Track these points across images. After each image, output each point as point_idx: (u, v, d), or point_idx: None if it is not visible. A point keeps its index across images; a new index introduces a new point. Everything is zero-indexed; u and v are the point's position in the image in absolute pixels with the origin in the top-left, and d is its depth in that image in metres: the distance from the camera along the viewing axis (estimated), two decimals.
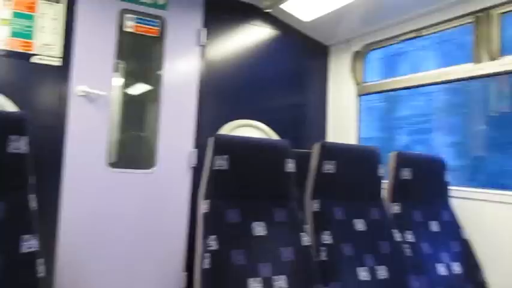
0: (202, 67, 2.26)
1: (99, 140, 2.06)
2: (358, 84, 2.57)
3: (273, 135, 2.36)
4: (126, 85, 2.21)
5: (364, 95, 2.59)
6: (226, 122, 2.28)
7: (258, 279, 1.57)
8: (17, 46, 1.94)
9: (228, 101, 2.32)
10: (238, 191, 1.82)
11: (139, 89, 2.31)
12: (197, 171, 2.23)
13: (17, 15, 1.95)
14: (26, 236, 1.20)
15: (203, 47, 2.26)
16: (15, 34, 1.94)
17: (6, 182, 1.26)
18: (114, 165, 2.09)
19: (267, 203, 1.82)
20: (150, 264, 2.13)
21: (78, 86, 2.01)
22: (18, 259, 1.18)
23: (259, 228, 1.75)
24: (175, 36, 2.20)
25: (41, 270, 1.19)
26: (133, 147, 2.27)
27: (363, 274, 1.69)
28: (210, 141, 1.70)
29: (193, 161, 2.22)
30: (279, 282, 1.60)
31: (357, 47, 2.57)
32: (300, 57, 2.58)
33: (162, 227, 2.15)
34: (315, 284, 1.59)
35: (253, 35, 2.41)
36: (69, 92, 2.00)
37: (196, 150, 2.23)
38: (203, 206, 1.84)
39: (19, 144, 1.26)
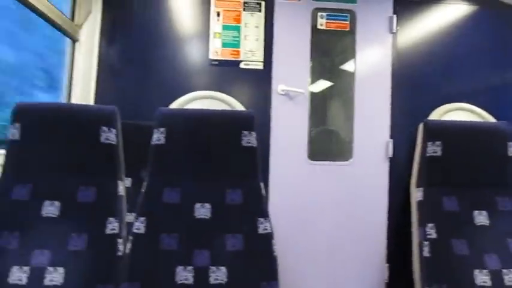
0: (394, 54, 2.20)
1: (300, 134, 2.16)
2: None
3: (488, 118, 2.15)
4: (316, 81, 2.28)
5: None
6: (426, 108, 2.17)
7: (485, 271, 1.46)
8: (227, 55, 2.18)
9: (425, 86, 2.20)
10: (454, 178, 1.70)
11: (326, 84, 2.36)
12: (394, 161, 2.17)
13: (226, 27, 2.19)
14: (111, 219, 1.28)
15: (395, 34, 2.21)
16: (225, 45, 2.18)
17: (99, 169, 1.35)
18: (312, 158, 2.17)
19: (488, 190, 1.66)
20: (351, 255, 2.13)
21: (278, 85, 2.15)
22: (102, 238, 1.26)
23: (481, 217, 1.61)
24: (366, 27, 2.20)
25: (121, 249, 1.26)
26: (326, 141, 2.32)
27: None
28: (420, 128, 1.61)
29: (390, 151, 2.16)
30: (510, 277, 1.44)
31: None
32: (504, 29, 2.31)
33: (362, 218, 2.14)
34: None
35: (447, 13, 2.26)
36: (271, 92, 2.15)
37: (392, 140, 2.17)
38: (417, 194, 1.77)
39: (110, 135, 1.35)
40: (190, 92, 2.12)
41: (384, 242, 2.15)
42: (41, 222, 1.24)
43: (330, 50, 2.32)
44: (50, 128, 1.33)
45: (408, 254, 1.80)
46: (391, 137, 2.18)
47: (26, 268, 1.17)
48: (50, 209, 1.27)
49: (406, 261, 1.85)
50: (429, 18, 2.24)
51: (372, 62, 2.21)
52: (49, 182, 1.31)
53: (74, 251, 1.21)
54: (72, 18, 2.03)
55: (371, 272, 2.14)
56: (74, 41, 2.03)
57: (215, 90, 2.13)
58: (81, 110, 1.39)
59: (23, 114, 1.34)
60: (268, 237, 1.29)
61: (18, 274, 1.16)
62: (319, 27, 2.22)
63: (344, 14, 2.22)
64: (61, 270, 1.18)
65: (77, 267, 1.19)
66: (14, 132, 1.31)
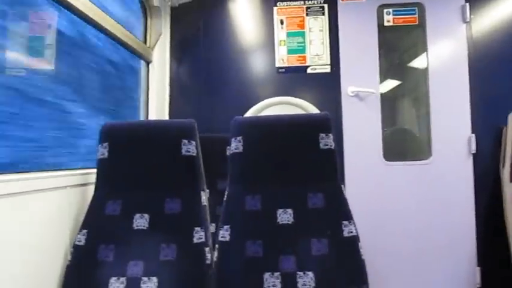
0: (470, 45, 2.08)
1: (373, 135, 2.11)
2: None
3: None
4: (385, 80, 2.22)
5: None
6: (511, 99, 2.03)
7: None
8: (294, 61, 2.18)
9: (507, 76, 2.06)
10: None
11: (396, 82, 2.29)
12: (477, 157, 2.05)
13: (291, 34, 2.19)
14: (197, 228, 1.27)
15: (468, 23, 2.09)
16: (291, 51, 2.19)
17: (182, 181, 1.36)
18: (388, 158, 2.10)
19: None
20: (438, 258, 2.03)
21: (348, 87, 2.12)
22: (191, 248, 1.25)
23: None
24: (437, 19, 2.11)
25: (208, 257, 1.24)
26: (401, 141, 2.24)
27: None
28: (510, 120, 1.49)
29: (473, 146, 2.05)
30: None
31: None
32: None
33: (446, 219, 2.04)
34: None
35: None
36: (341, 94, 2.12)
37: (474, 135, 2.05)
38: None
39: (190, 147, 1.36)
40: (259, 102, 2.14)
41: (473, 244, 2.03)
42: (133, 235, 1.29)
43: (398, 47, 2.25)
44: (135, 145, 1.39)
45: (502, 256, 1.69)
46: (473, 131, 2.06)
47: (122, 279, 1.22)
48: (140, 221, 1.31)
49: (500, 264, 1.74)
50: (505, 3, 2.11)
51: (445, 55, 2.11)
52: (137, 196, 1.36)
53: (165, 260, 1.24)
54: (145, 41, 2.13)
55: (461, 275, 2.03)
56: (148, 62, 2.13)
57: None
58: (162, 126, 1.45)
59: (110, 133, 1.41)
60: (354, 240, 1.26)
61: (117, 285, 1.21)
62: (386, 24, 2.16)
63: (411, 8, 2.15)
64: (155, 279, 1.21)
65: (169, 277, 1.22)
66: (102, 151, 1.39)
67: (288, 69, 2.18)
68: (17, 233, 1.06)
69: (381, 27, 2.15)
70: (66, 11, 1.45)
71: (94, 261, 1.23)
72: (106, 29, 1.65)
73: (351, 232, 1.26)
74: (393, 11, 2.15)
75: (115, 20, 1.72)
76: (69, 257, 1.24)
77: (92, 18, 1.52)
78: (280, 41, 2.19)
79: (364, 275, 1.19)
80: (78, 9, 1.43)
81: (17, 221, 1.06)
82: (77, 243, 1.26)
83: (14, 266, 1.04)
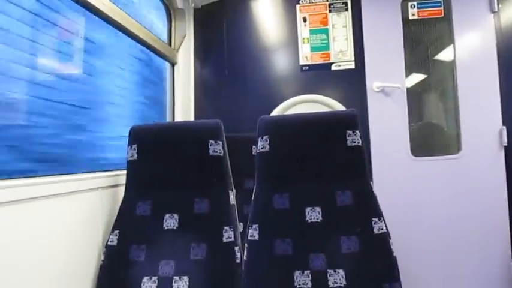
0: (498, 35, 2.04)
1: (400, 130, 2.09)
2: None
3: None
4: (411, 74, 2.19)
5: None
6: None
7: None
8: (317, 59, 2.17)
9: None
10: None
11: (421, 76, 2.26)
12: (509, 150, 2.01)
13: (314, 31, 2.19)
14: (226, 228, 1.28)
15: (496, 13, 2.05)
16: (314, 49, 2.18)
17: (210, 180, 1.37)
18: (416, 154, 2.07)
19: None
20: (470, 253, 1.99)
21: (373, 82, 2.10)
22: (220, 247, 1.26)
23: None
24: (463, 10, 2.07)
25: (238, 256, 1.25)
26: (429, 135, 2.21)
27: None
28: None
29: (505, 139, 2.00)
30: None
31: None
32: None
33: (478, 214, 2.00)
34: None
35: None
36: (366, 90, 2.10)
37: (505, 127, 2.01)
38: None
39: (217, 147, 1.37)
40: (283, 101, 2.14)
41: (507, 239, 1.98)
42: (164, 235, 1.32)
43: (424, 40, 2.21)
44: (163, 146, 1.41)
45: None
46: (504, 123, 2.02)
47: (154, 278, 1.24)
48: (170, 221, 1.34)
49: None
50: None
51: (473, 46, 2.07)
52: (167, 196, 1.38)
53: (195, 260, 1.26)
54: (170, 43, 2.16)
55: (494, 271, 1.98)
56: (173, 64, 2.16)
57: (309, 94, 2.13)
58: (189, 126, 1.47)
59: (139, 135, 1.44)
60: (385, 237, 1.24)
61: (149, 284, 1.23)
62: (410, 17, 2.14)
63: (437, 0, 2.11)
64: (186, 278, 1.23)
65: (200, 276, 1.24)
66: (132, 153, 1.42)
67: (312, 67, 2.17)
68: (56, 233, 1.09)
69: (406, 21, 2.12)
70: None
71: (126, 261, 1.26)
72: (133, 33, 1.68)
73: (381, 229, 1.24)
74: (418, 3, 2.12)
75: (141, 24, 1.75)
76: (102, 257, 1.28)
77: (120, 24, 1.56)
78: (304, 38, 2.19)
79: (396, 272, 1.18)
80: (108, 16, 1.47)
81: (55, 222, 1.09)
82: (110, 243, 1.29)
83: (52, 264, 1.07)
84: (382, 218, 1.26)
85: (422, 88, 2.24)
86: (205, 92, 2.26)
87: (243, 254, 1.26)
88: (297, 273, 1.20)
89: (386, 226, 1.25)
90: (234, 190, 1.89)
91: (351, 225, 1.27)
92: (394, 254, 1.22)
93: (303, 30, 2.19)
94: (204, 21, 2.28)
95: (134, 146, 1.42)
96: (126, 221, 1.34)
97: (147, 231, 1.32)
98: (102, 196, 1.35)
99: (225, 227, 1.29)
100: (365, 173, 1.35)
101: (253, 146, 1.95)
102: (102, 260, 1.26)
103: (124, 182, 1.41)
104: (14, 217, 0.94)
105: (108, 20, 1.50)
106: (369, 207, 1.28)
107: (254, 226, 1.29)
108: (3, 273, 0.89)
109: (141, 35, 1.75)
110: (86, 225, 1.25)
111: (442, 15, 2.12)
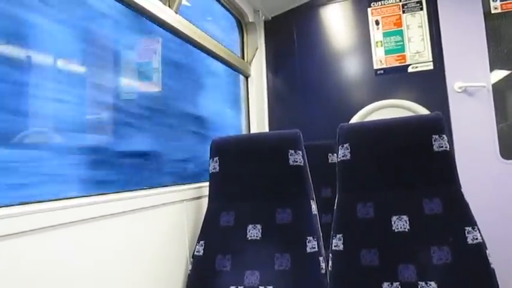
0: None
1: (487, 131, 1.97)
2: None
3: None
4: (495, 71, 2.06)
5: None
6: None
7: None
8: (393, 62, 2.12)
9: None
10: None
11: (507, 73, 2.12)
12: None
13: (387, 34, 2.14)
14: (309, 238, 1.26)
15: None
16: (388, 51, 2.13)
17: (291, 190, 1.36)
18: (507, 156, 1.95)
19: None
20: None
21: (454, 83, 2.01)
22: (305, 257, 1.24)
23: None
24: None
25: (323, 267, 1.22)
26: None
27: None
28: None
29: None
30: None
31: None
32: None
33: None
34: None
35: None
36: (447, 91, 2.01)
37: None
38: None
39: (297, 157, 1.36)
40: (358, 108, 2.11)
41: None
42: (247, 245, 1.34)
43: (509, 34, 2.08)
44: (244, 157, 1.45)
45: None
46: None
47: (240, 287, 1.27)
48: (253, 232, 1.36)
49: None
50: None
51: None
52: (249, 207, 1.41)
53: (280, 270, 1.27)
54: (243, 57, 2.21)
55: None
56: (247, 77, 2.21)
57: (385, 99, 2.09)
58: (269, 137, 1.49)
59: (220, 148, 1.49)
60: (480, 247, 1.18)
61: None
62: (493, 11, 2.01)
63: None
64: None
65: (286, 286, 1.24)
66: (214, 166, 1.46)
67: (387, 70, 2.12)
68: (147, 242, 1.17)
69: (488, 15, 2.01)
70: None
71: (213, 271, 1.31)
72: (209, 49, 1.75)
73: (476, 238, 1.19)
74: None
75: (216, 40, 1.82)
76: (189, 267, 1.34)
77: (197, 41, 1.63)
78: (377, 42, 2.14)
79: (495, 285, 1.12)
80: (186, 35, 1.55)
81: (147, 232, 1.17)
82: (196, 253, 1.35)
83: (145, 274, 1.15)
84: (476, 227, 1.20)
85: (509, 85, 2.11)
86: (278, 102, 2.29)
87: (327, 264, 1.26)
88: (385, 284, 1.18)
89: (481, 235, 1.19)
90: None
91: (442, 235, 1.22)
92: (492, 265, 1.16)
93: (376, 34, 2.15)
94: (274, 32, 2.31)
95: (216, 159, 1.47)
96: (211, 232, 1.39)
97: (231, 241, 1.36)
98: (188, 208, 1.42)
99: (308, 237, 1.29)
100: (455, 179, 1.29)
101: (329, 154, 1.95)
102: (190, 270, 1.32)
103: (207, 193, 1.47)
104: (107, 231, 1.01)
105: (188, 39, 1.59)
106: (461, 215, 1.22)
107: (338, 236, 1.28)
108: (101, 283, 0.96)
109: (217, 51, 1.82)
110: (173, 237, 1.32)
111: None
